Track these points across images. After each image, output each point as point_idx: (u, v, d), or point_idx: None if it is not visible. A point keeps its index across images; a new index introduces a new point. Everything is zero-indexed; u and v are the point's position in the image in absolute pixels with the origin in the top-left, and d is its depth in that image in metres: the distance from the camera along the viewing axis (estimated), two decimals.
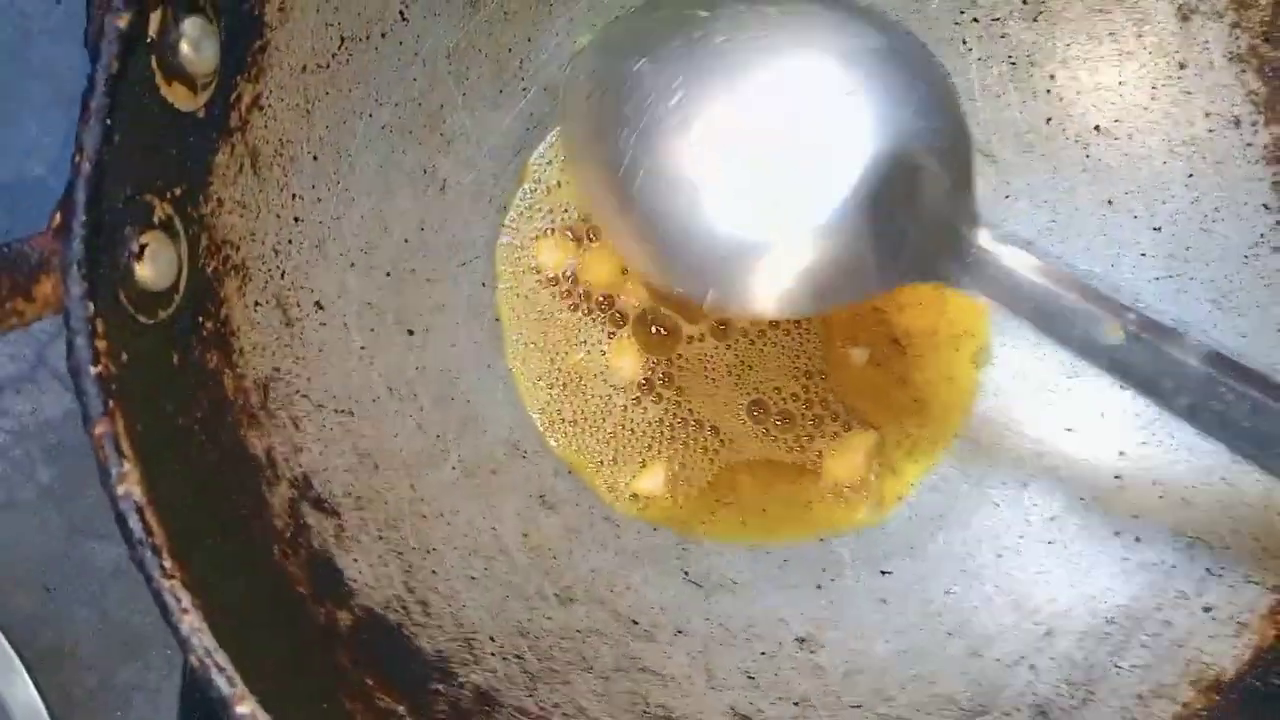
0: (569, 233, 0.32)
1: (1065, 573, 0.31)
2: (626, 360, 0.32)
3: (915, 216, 0.27)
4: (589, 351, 0.32)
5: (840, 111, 0.27)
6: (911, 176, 0.26)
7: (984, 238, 0.26)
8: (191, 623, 0.19)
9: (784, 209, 0.27)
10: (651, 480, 0.32)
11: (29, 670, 0.32)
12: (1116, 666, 0.29)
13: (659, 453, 0.32)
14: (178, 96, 0.21)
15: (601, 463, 0.32)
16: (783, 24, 0.27)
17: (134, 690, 0.36)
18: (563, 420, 0.32)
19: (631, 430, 0.32)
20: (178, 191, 0.22)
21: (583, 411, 0.32)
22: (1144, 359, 0.26)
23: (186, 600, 0.19)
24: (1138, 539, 0.30)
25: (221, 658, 0.19)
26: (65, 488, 0.36)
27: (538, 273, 0.32)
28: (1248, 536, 0.29)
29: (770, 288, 0.27)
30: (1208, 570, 0.29)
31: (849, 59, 0.27)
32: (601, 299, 0.33)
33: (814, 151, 0.27)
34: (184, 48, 0.21)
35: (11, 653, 0.31)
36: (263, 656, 0.21)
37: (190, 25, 0.21)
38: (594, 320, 0.32)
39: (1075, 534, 0.31)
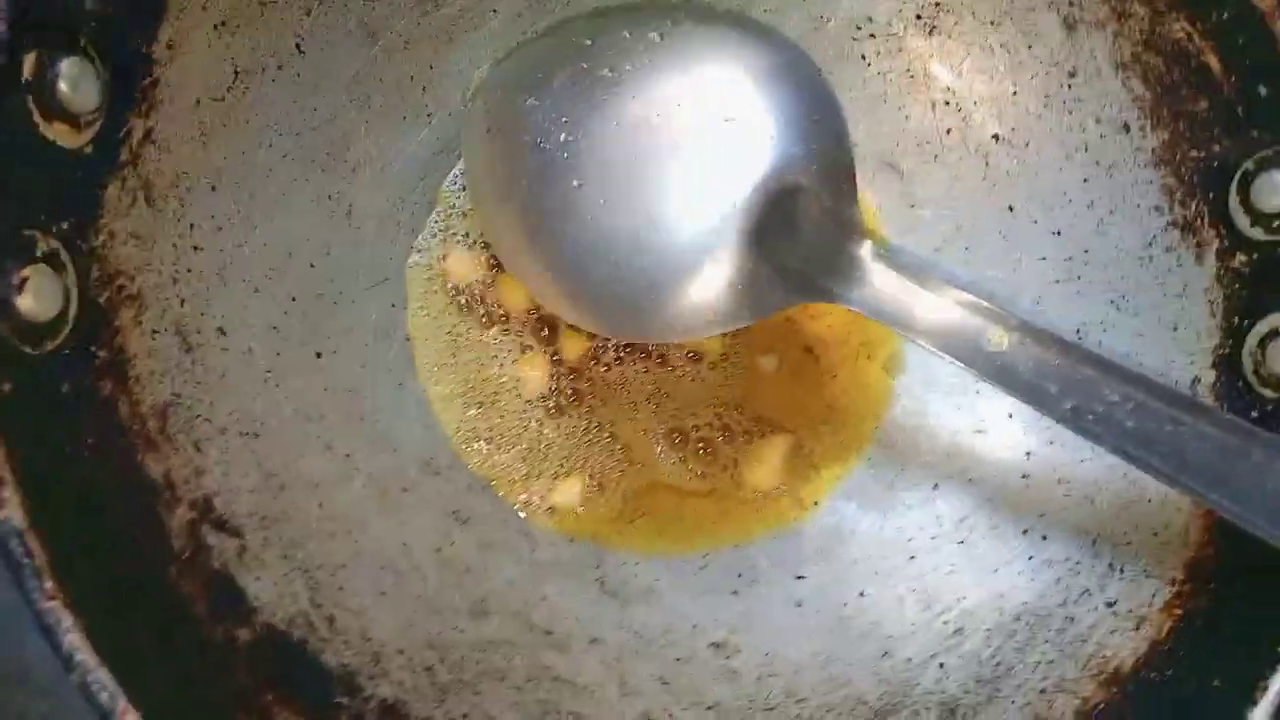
0: (481, 248, 0.33)
1: (975, 572, 0.31)
2: (535, 372, 0.32)
3: (800, 237, 0.27)
4: (502, 367, 0.33)
5: (722, 138, 0.28)
6: (794, 197, 0.27)
7: (866, 253, 0.27)
8: (72, 642, 0.20)
9: (671, 241, 0.28)
10: (568, 493, 0.32)
11: None
12: (1022, 663, 0.29)
13: (575, 467, 0.33)
14: (59, 134, 0.22)
15: (516, 478, 0.32)
16: (664, 51, 0.28)
17: (87, 716, 0.36)
18: (477, 437, 0.32)
19: (548, 445, 0.33)
20: (64, 225, 0.23)
21: (498, 428, 0.33)
22: (1028, 363, 0.26)
23: (68, 621, 0.20)
24: (1044, 537, 0.31)
25: (104, 675, 0.20)
26: None
27: (451, 291, 0.33)
28: (1147, 532, 0.30)
29: (664, 318, 0.28)
30: (1110, 566, 0.30)
31: (728, 84, 0.28)
32: (516, 316, 0.33)
33: (697, 182, 0.28)
34: (62, 87, 0.22)
35: None
36: (152, 674, 0.21)
37: (68, 66, 0.22)
38: (506, 336, 0.33)
39: (984, 533, 0.32)
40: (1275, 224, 0.28)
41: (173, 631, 0.23)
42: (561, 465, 0.33)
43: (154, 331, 0.25)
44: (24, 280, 0.21)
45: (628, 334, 0.30)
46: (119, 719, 0.20)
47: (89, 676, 0.20)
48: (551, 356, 0.33)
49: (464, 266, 0.33)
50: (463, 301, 0.33)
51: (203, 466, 0.26)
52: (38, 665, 0.35)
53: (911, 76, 0.34)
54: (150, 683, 0.21)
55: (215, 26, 0.26)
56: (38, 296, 0.22)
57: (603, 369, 0.33)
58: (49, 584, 0.20)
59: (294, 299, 0.29)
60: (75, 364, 0.23)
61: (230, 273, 0.28)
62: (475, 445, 0.32)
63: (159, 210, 0.25)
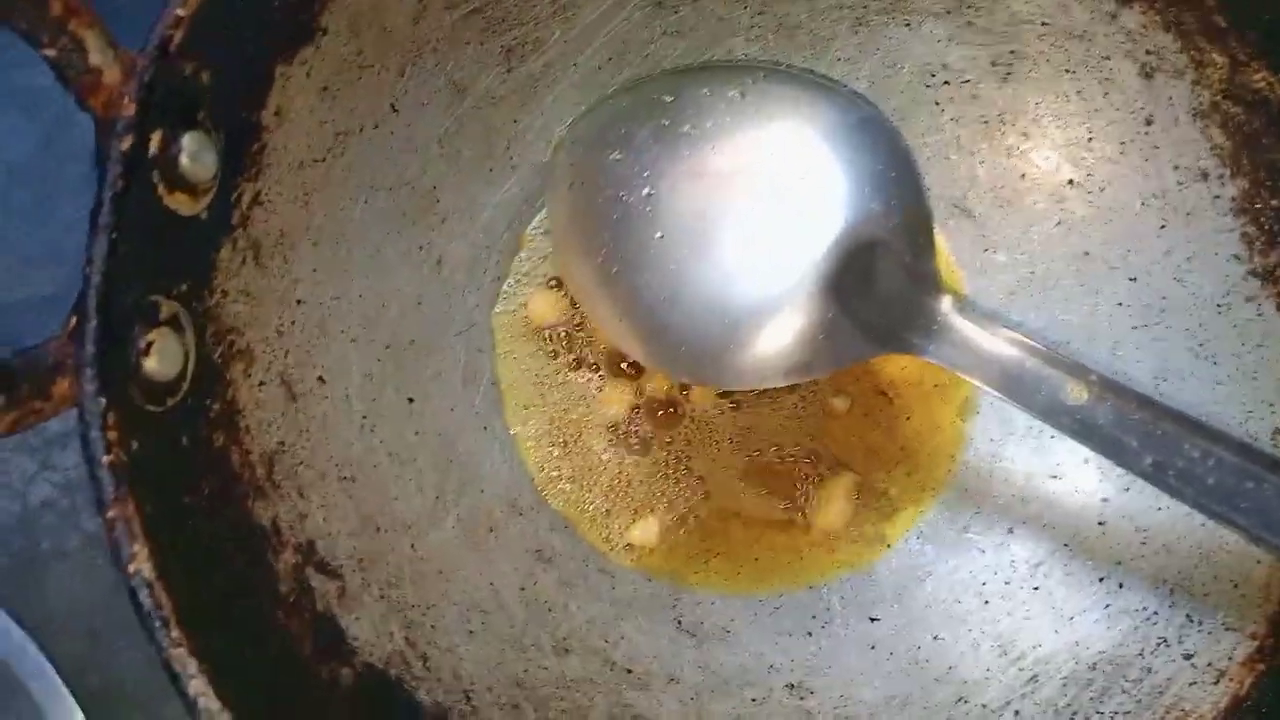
0: (564, 292, 0.34)
1: (1050, 619, 0.31)
2: (615, 409, 0.33)
3: (878, 290, 0.28)
4: (588, 407, 0.34)
5: (800, 195, 0.28)
6: (872, 252, 0.28)
7: (946, 307, 0.28)
8: (197, 687, 0.21)
9: (750, 293, 0.29)
10: (645, 531, 0.33)
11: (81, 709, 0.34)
12: (1099, 712, 0.29)
13: (653, 505, 0.34)
14: (180, 204, 0.24)
15: (596, 516, 0.33)
16: (744, 108, 0.29)
17: None
18: (560, 477, 0.33)
19: (628, 482, 0.34)
20: (184, 288, 0.24)
21: (580, 468, 0.34)
22: (1108, 419, 0.27)
23: (193, 666, 0.21)
24: (1121, 585, 0.31)
25: (226, 718, 0.21)
26: None
27: (535, 334, 0.34)
28: (1227, 583, 0.30)
29: (741, 366, 0.29)
30: (1188, 617, 0.30)
31: (808, 141, 0.28)
32: (599, 355, 0.34)
33: (776, 235, 0.28)
34: (184, 161, 0.23)
35: (65, 691, 0.33)
36: (266, 715, 0.23)
37: (189, 140, 0.23)
38: (591, 376, 0.34)
39: (1060, 580, 0.32)
40: None
41: (282, 673, 0.24)
42: (642, 503, 0.33)
43: (261, 383, 0.27)
44: (150, 344, 0.23)
45: (705, 381, 0.30)
46: None
47: None
48: (634, 394, 0.34)
49: (547, 308, 0.34)
50: (547, 343, 0.34)
51: (305, 511, 0.27)
52: (133, 681, 0.37)
53: (985, 123, 0.34)
54: None
55: (318, 92, 0.27)
56: (161, 358, 0.23)
57: (679, 406, 0.34)
58: (175, 633, 0.21)
59: (387, 347, 0.31)
60: (192, 419, 0.24)
61: (330, 324, 0.29)
62: (559, 486, 0.33)
63: (265, 268, 0.27)
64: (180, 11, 0.23)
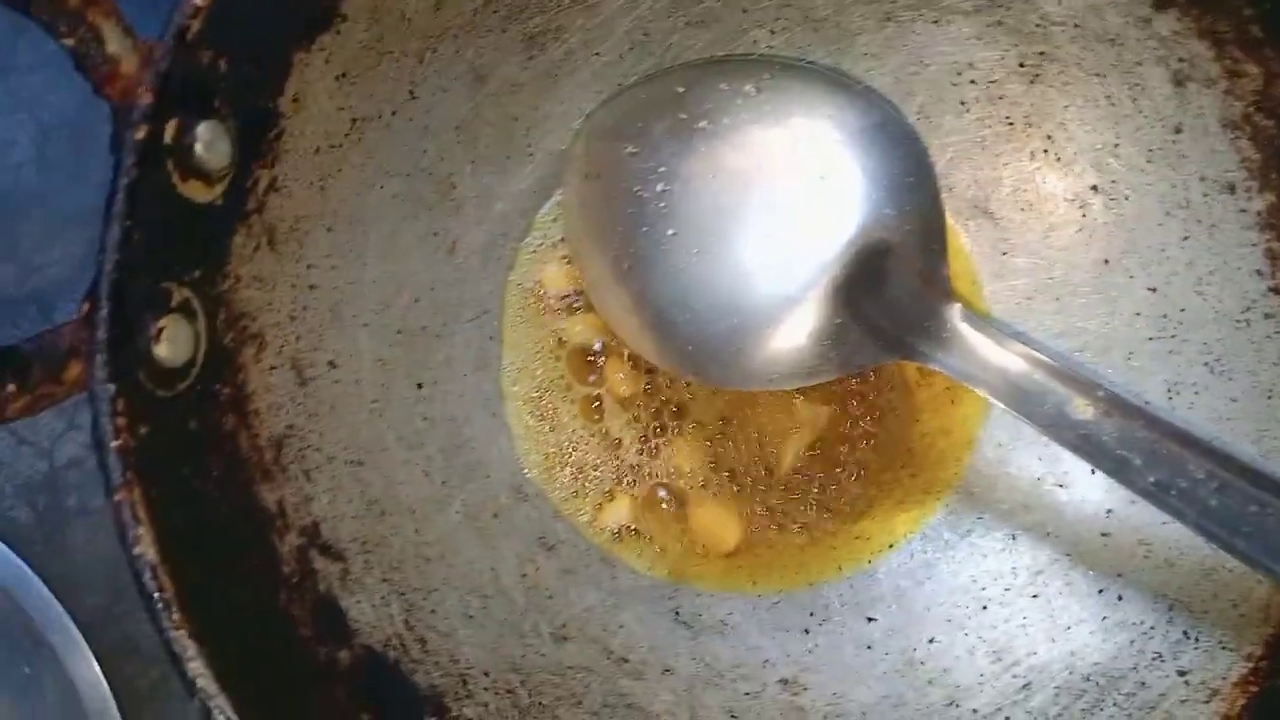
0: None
1: (1047, 628, 0.31)
2: (607, 389, 0.33)
3: (889, 296, 0.28)
4: (571, 388, 0.34)
5: (814, 196, 0.28)
6: (884, 256, 0.28)
7: (955, 316, 0.27)
8: (196, 669, 0.22)
9: (760, 295, 0.28)
10: (615, 514, 0.33)
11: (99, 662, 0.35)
12: None
13: (628, 489, 0.33)
14: (194, 192, 0.24)
15: (565, 495, 0.33)
16: (759, 106, 0.28)
17: None
18: (541, 454, 0.33)
19: (596, 466, 0.33)
20: (196, 275, 0.24)
21: (558, 445, 0.33)
22: (1112, 435, 0.26)
23: (193, 649, 0.22)
24: (1120, 598, 0.31)
25: (223, 701, 0.22)
26: None
27: (543, 312, 0.33)
28: (1226, 602, 0.29)
29: (749, 368, 0.29)
30: (1185, 634, 0.30)
31: (823, 141, 0.28)
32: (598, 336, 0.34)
33: (788, 237, 0.28)
34: (198, 149, 0.23)
35: (80, 639, 0.34)
36: (264, 695, 0.23)
37: (204, 129, 0.23)
38: (585, 354, 0.34)
39: (1059, 589, 0.32)
40: None
41: (282, 654, 0.25)
42: (615, 486, 0.33)
43: (272, 368, 0.27)
44: (160, 330, 0.23)
45: (711, 381, 0.30)
46: None
47: (211, 702, 0.22)
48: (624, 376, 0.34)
49: (561, 277, 0.33)
50: (554, 312, 0.33)
51: (311, 494, 0.28)
52: (146, 638, 0.38)
53: (1010, 124, 0.33)
54: (262, 705, 0.23)
55: (336, 78, 0.27)
56: (172, 344, 0.23)
57: (681, 393, 0.34)
58: (176, 615, 0.22)
59: (399, 332, 0.31)
60: (202, 403, 0.25)
61: (342, 309, 0.29)
62: (537, 461, 0.33)
63: (280, 254, 0.27)
64: (199, 1, 0.23)
